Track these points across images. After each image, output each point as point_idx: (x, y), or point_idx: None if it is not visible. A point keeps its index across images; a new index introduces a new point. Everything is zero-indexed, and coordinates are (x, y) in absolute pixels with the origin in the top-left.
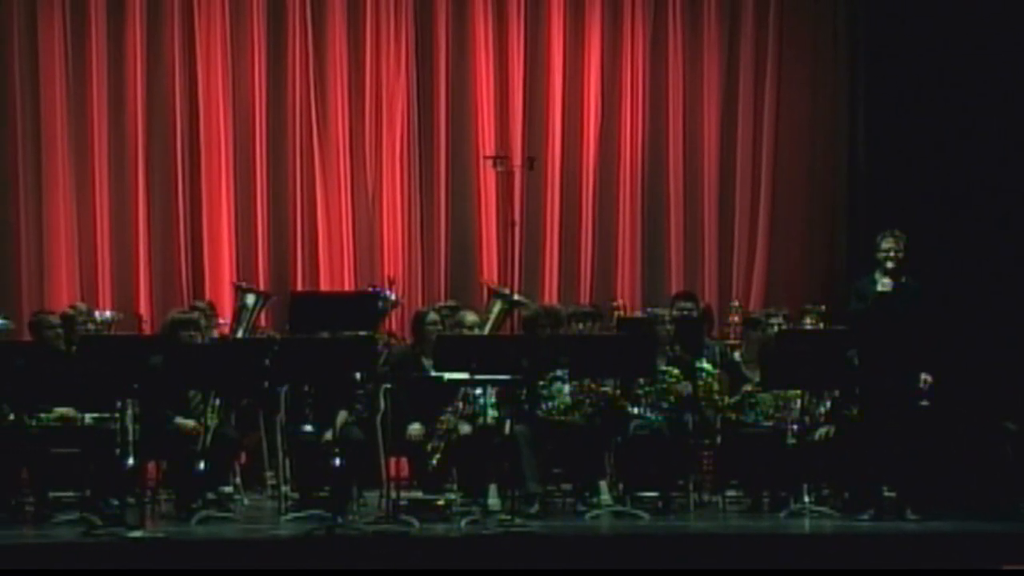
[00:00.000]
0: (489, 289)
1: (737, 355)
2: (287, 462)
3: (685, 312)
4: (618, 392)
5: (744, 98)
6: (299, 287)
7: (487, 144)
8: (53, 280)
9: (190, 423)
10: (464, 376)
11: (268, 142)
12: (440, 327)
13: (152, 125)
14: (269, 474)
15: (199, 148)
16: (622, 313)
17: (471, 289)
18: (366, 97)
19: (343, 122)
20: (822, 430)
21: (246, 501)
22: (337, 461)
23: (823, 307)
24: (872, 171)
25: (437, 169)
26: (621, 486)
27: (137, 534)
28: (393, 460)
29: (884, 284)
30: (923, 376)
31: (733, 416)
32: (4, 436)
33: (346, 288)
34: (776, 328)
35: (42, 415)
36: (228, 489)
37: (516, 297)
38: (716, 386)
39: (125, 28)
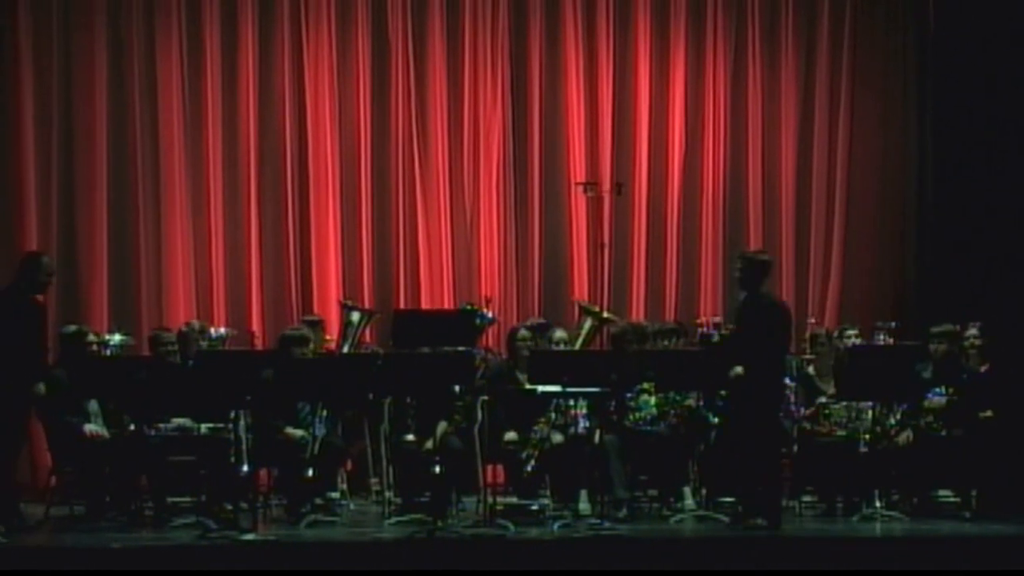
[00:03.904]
0: (580, 307)
1: (811, 369)
2: (390, 469)
3: None
4: (700, 404)
5: (819, 129)
6: (401, 305)
7: (578, 171)
8: (171, 298)
9: (299, 433)
10: (557, 389)
11: (372, 169)
12: (531, 343)
13: (264, 153)
14: (373, 480)
15: (308, 174)
16: (705, 330)
17: (563, 307)
18: (464, 127)
19: (443, 150)
20: (904, 435)
21: (352, 506)
22: (437, 468)
23: (893, 324)
24: (939, 198)
25: (531, 195)
26: (704, 492)
27: (249, 537)
28: (490, 467)
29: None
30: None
31: (808, 426)
32: (125, 445)
33: (446, 306)
34: (849, 343)
35: (160, 425)
36: (335, 495)
37: (605, 315)
38: (794, 398)
39: (238, 60)
